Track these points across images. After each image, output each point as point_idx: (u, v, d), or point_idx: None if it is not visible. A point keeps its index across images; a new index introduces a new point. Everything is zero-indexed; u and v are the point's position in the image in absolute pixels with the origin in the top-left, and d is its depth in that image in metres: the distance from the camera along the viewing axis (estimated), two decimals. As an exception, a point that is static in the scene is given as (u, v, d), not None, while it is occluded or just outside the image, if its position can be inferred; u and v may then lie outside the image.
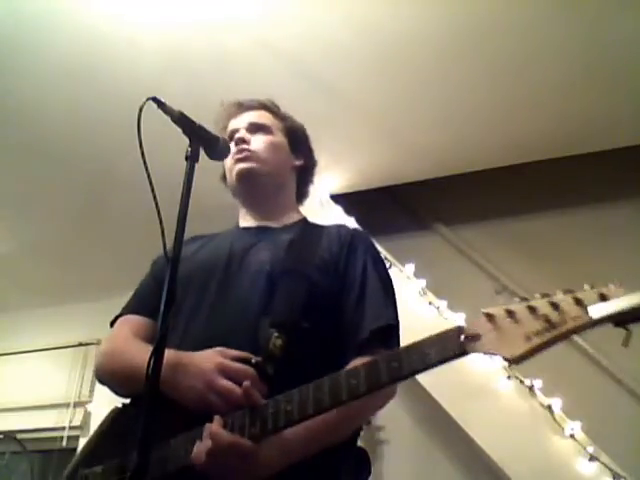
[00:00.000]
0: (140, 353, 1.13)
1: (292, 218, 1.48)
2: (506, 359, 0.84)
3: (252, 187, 1.45)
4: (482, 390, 2.52)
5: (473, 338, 0.87)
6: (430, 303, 2.78)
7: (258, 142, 1.45)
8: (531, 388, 2.47)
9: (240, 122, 1.49)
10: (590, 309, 0.79)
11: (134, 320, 1.36)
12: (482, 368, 2.55)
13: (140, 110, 1.06)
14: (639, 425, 2.48)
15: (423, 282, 2.83)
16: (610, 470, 2.26)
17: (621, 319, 0.77)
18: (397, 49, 2.44)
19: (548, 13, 2.26)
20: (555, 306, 0.82)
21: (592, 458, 2.29)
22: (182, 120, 1.13)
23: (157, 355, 0.92)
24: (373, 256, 1.35)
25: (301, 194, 1.58)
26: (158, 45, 2.44)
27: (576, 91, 2.58)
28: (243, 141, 1.43)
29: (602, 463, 2.28)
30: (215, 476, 0.99)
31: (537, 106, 2.68)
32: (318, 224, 1.48)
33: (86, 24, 2.37)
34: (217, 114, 1.53)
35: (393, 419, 2.66)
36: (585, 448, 2.32)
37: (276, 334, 1.13)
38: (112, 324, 1.40)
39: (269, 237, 1.37)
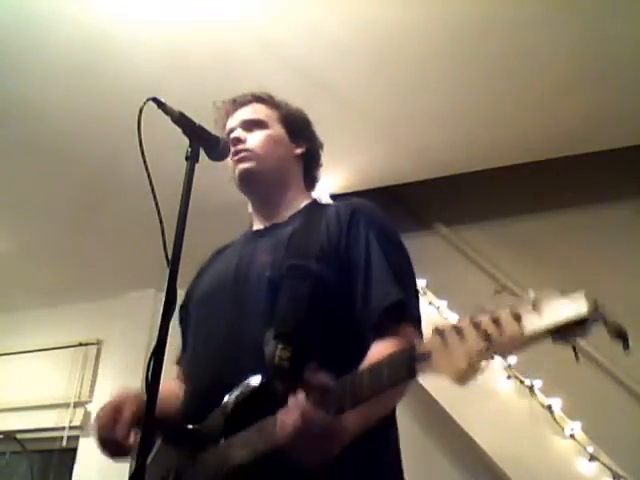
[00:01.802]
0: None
1: (295, 207, 1.43)
2: (452, 380, 0.82)
3: (255, 186, 1.44)
4: (482, 390, 2.52)
5: (424, 357, 0.85)
6: (430, 303, 2.79)
7: (254, 139, 1.43)
8: (531, 388, 2.47)
9: (235, 120, 1.47)
10: (525, 325, 0.73)
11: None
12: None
13: (140, 111, 1.07)
14: (639, 425, 2.48)
15: (423, 282, 2.83)
16: (610, 470, 2.27)
17: (559, 335, 0.72)
18: (397, 49, 2.44)
19: (546, 12, 2.26)
20: (496, 321, 0.77)
21: (592, 458, 2.30)
22: (182, 120, 1.13)
23: (157, 356, 0.93)
24: (377, 227, 1.28)
25: (310, 180, 1.54)
26: (158, 44, 2.44)
27: (576, 91, 2.58)
28: (239, 141, 1.42)
29: (602, 463, 2.28)
30: (296, 450, 0.96)
31: (537, 106, 2.68)
32: (323, 204, 1.46)
33: (86, 23, 2.37)
34: (215, 114, 1.52)
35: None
36: (585, 448, 2.32)
37: (281, 346, 1.12)
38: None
39: (271, 235, 1.36)
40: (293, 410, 0.95)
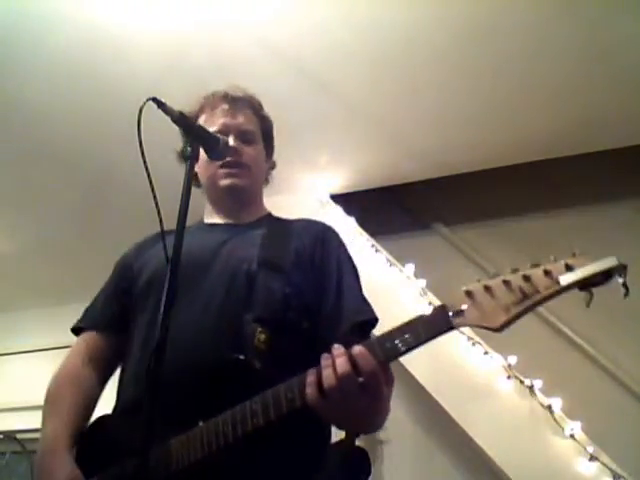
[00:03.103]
0: (64, 413, 1.23)
1: (259, 214, 1.51)
2: (490, 329, 0.92)
3: (237, 200, 1.47)
4: (482, 390, 2.52)
5: (457, 314, 0.95)
6: (430, 303, 2.78)
7: (249, 155, 1.46)
8: (531, 388, 2.47)
9: (231, 122, 1.47)
10: (560, 278, 0.89)
11: (91, 340, 1.42)
12: (482, 368, 2.55)
13: (140, 110, 1.07)
14: (639, 425, 2.48)
15: (423, 282, 2.83)
16: (610, 470, 2.26)
17: (585, 284, 0.88)
18: (397, 49, 2.44)
19: (548, 14, 2.26)
20: (527, 279, 0.91)
21: (592, 458, 2.29)
22: (182, 120, 1.13)
23: (157, 356, 0.93)
24: (346, 252, 1.38)
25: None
26: (158, 45, 2.44)
27: (576, 91, 2.58)
28: (237, 153, 1.43)
29: (602, 463, 2.28)
30: (335, 399, 0.95)
31: (537, 106, 2.68)
32: (284, 218, 1.50)
33: (87, 24, 2.37)
34: (203, 100, 1.52)
35: (393, 419, 2.64)
36: (585, 448, 2.32)
37: (260, 329, 1.15)
38: (75, 331, 1.45)
39: (240, 234, 1.39)
40: (335, 355, 0.95)
